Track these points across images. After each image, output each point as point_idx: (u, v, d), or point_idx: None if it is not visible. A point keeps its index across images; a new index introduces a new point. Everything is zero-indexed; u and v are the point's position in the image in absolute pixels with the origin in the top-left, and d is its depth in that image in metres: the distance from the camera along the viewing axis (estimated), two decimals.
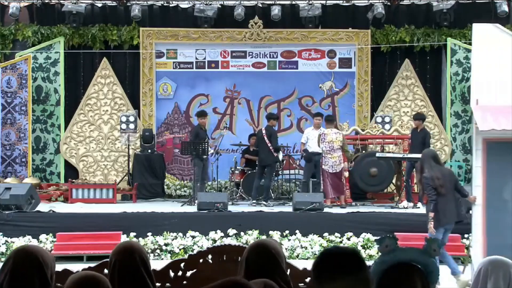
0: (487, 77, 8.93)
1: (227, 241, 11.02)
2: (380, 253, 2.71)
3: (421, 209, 12.75)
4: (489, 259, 3.42)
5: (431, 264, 2.76)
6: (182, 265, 4.75)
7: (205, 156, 13.60)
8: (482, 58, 9.13)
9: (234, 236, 11.38)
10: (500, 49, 9.17)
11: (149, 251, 10.98)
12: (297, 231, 11.47)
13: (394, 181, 13.88)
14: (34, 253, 3.01)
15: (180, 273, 4.74)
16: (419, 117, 13.51)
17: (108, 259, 4.18)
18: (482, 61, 9.10)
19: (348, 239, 11.45)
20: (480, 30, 9.49)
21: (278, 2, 15.68)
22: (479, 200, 8.73)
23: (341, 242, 11.44)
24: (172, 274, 4.71)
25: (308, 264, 4.99)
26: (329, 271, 2.36)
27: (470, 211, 11.83)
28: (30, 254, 3.01)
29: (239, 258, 4.06)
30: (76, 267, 4.46)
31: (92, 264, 4.54)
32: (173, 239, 11.31)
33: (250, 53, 16.11)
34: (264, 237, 11.15)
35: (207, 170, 14.14)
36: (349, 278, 2.36)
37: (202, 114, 14.17)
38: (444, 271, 8.58)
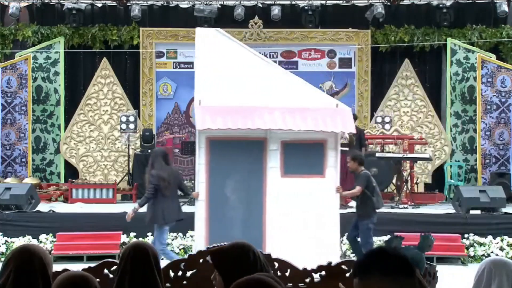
0: (211, 79, 9.27)
1: None
2: None
3: (421, 209, 12.78)
4: (491, 259, 3.40)
5: (419, 257, 2.82)
6: (182, 265, 4.75)
7: None
8: (205, 61, 9.48)
9: None
10: (222, 52, 9.56)
11: None
12: None
13: (394, 181, 13.88)
14: (37, 253, 3.03)
15: (180, 273, 4.74)
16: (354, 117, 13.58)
17: (108, 259, 4.19)
18: (205, 64, 9.46)
19: None
20: (203, 34, 9.86)
21: (278, 2, 15.68)
22: (202, 195, 9.12)
23: (341, 242, 11.44)
24: (172, 274, 4.71)
25: (308, 264, 5.00)
26: (380, 270, 2.23)
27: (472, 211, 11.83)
28: (34, 253, 3.02)
29: None
30: (76, 267, 4.46)
31: (92, 264, 4.54)
32: (173, 239, 11.31)
33: None
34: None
35: None
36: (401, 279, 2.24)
37: None
38: (442, 270, 8.58)
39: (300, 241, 8.86)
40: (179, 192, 9.58)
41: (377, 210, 9.69)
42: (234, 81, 9.26)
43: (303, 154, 9.16)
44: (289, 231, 8.98)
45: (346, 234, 9.94)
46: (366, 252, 2.31)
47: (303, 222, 9.03)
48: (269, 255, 4.73)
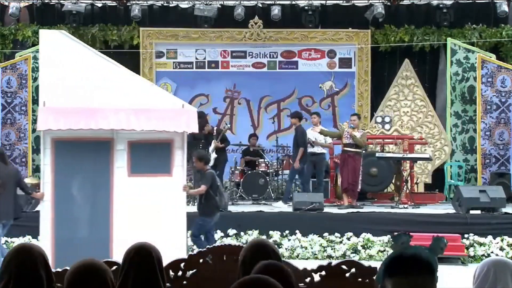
0: (55, 80, 9.33)
1: (227, 241, 11.01)
2: (392, 251, 2.74)
3: (421, 209, 12.78)
4: (493, 260, 3.38)
5: (433, 261, 2.80)
6: (182, 265, 4.76)
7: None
8: (50, 62, 9.54)
9: (234, 236, 11.38)
10: (66, 54, 9.63)
11: None
12: (297, 231, 11.48)
13: (394, 181, 13.89)
14: (36, 249, 3.04)
15: (180, 273, 4.74)
16: (295, 115, 13.59)
17: (107, 259, 4.18)
18: (50, 65, 9.52)
19: (348, 239, 11.46)
20: (47, 36, 9.96)
21: (278, 2, 15.69)
22: (47, 196, 9.19)
23: (341, 242, 11.45)
24: (172, 274, 4.71)
25: (308, 264, 4.99)
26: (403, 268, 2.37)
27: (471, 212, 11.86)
28: (33, 250, 3.02)
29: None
30: None
31: None
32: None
33: (250, 53, 16.12)
34: (264, 237, 11.15)
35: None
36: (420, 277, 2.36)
37: (198, 116, 14.21)
38: (442, 270, 8.58)
39: (147, 239, 8.77)
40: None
41: (221, 210, 10.15)
42: (80, 83, 9.34)
43: (150, 154, 9.31)
44: (136, 229, 9.00)
45: (189, 231, 9.89)
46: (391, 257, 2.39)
47: (150, 220, 9.14)
48: None
